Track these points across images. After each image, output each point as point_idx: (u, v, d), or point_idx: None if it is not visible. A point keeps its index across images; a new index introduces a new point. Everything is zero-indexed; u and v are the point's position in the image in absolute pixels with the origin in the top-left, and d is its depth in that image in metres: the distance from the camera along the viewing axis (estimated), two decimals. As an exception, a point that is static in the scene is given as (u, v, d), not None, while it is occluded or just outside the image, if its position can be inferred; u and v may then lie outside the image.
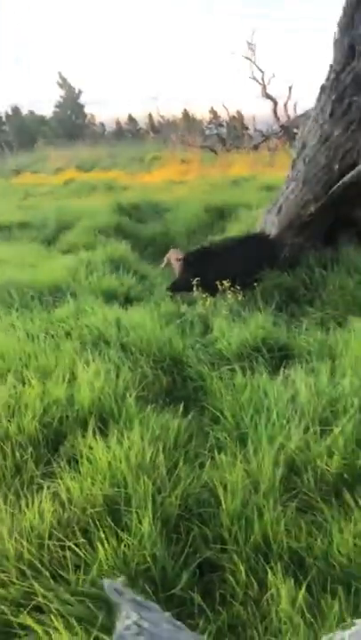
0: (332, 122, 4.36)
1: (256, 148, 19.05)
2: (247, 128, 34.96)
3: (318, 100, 4.59)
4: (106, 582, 1.09)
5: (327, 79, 4.43)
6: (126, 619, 0.87)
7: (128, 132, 51.26)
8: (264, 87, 17.57)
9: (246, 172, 13.21)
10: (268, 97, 17.66)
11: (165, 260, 6.59)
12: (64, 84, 49.56)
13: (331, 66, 4.36)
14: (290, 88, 17.39)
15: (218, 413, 2.87)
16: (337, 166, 4.52)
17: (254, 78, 17.64)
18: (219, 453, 2.48)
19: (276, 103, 17.65)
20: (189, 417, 2.86)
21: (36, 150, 33.54)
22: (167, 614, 1.04)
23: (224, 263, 5.28)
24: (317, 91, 4.54)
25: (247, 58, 17.21)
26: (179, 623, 1.06)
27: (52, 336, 3.89)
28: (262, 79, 17.53)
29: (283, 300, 4.88)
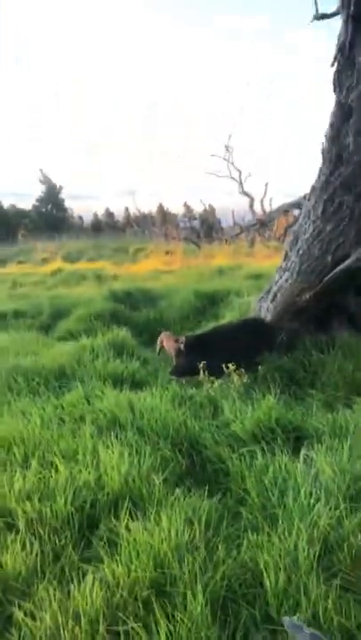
0: (325, 218, 4.80)
1: (234, 239, 20.15)
2: (219, 221, 37.16)
3: (309, 199, 5.08)
4: (285, 619, 1.13)
5: (317, 181, 4.94)
6: (306, 651, 0.92)
7: (106, 225, 53.80)
8: (241, 185, 18.97)
9: (229, 262, 13.87)
10: (246, 194, 19.01)
11: (158, 343, 6.80)
12: (45, 180, 52.42)
13: (320, 170, 4.89)
14: (266, 185, 18.82)
15: (243, 494, 2.92)
16: (330, 258, 4.90)
17: (232, 177, 19.08)
18: (252, 534, 2.52)
19: (252, 199, 18.97)
20: (215, 499, 2.91)
21: (19, 242, 34.53)
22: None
23: (224, 347, 5.48)
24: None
25: (225, 159, 18.72)
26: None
27: (64, 421, 3.95)
28: (239, 177, 18.98)
29: (284, 382, 5.04)
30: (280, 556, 2.28)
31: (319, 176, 4.92)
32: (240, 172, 18.87)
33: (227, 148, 18.60)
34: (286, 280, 5.50)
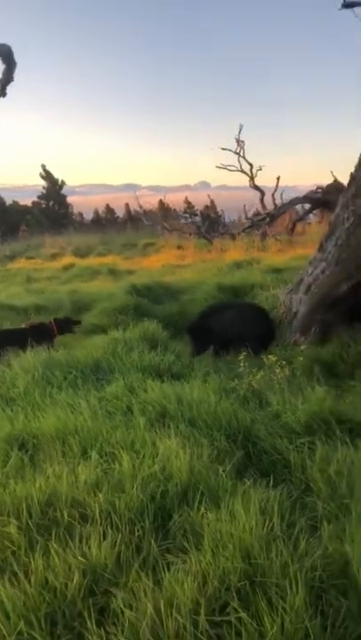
0: (364, 208, 4.75)
1: (244, 232, 20.04)
2: (220, 216, 37.10)
3: (348, 187, 5.01)
4: None
5: (356, 170, 4.88)
6: None
7: (106, 221, 53.55)
8: (252, 179, 18.85)
9: (243, 257, 13.78)
10: (257, 188, 18.90)
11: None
12: (47, 176, 52.12)
13: (360, 158, 4.82)
14: (278, 179, 18.68)
15: (308, 485, 2.88)
16: (370, 247, 4.85)
17: (242, 171, 18.95)
18: (328, 524, 2.48)
19: (263, 193, 18.86)
20: (281, 489, 2.86)
21: (20, 238, 34.38)
22: None
23: (223, 329, 6.14)
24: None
25: (236, 153, 18.58)
26: None
27: (111, 413, 3.91)
28: (250, 171, 18.85)
29: (323, 374, 4.99)
30: (364, 546, 2.24)
31: (358, 165, 4.85)
32: (251, 166, 18.80)
33: (237, 141, 18.50)
34: (323, 271, 5.44)
